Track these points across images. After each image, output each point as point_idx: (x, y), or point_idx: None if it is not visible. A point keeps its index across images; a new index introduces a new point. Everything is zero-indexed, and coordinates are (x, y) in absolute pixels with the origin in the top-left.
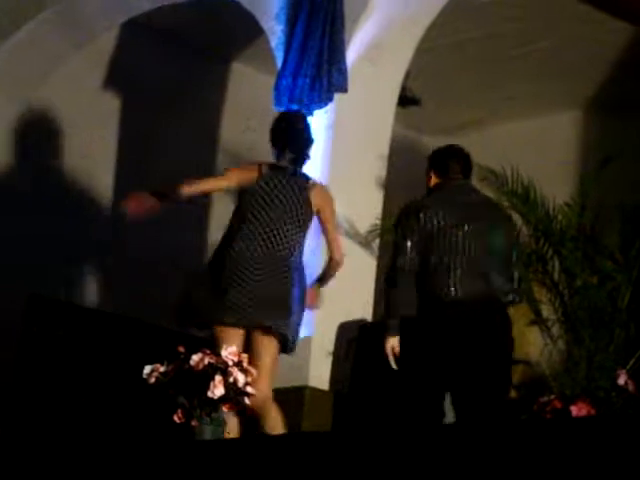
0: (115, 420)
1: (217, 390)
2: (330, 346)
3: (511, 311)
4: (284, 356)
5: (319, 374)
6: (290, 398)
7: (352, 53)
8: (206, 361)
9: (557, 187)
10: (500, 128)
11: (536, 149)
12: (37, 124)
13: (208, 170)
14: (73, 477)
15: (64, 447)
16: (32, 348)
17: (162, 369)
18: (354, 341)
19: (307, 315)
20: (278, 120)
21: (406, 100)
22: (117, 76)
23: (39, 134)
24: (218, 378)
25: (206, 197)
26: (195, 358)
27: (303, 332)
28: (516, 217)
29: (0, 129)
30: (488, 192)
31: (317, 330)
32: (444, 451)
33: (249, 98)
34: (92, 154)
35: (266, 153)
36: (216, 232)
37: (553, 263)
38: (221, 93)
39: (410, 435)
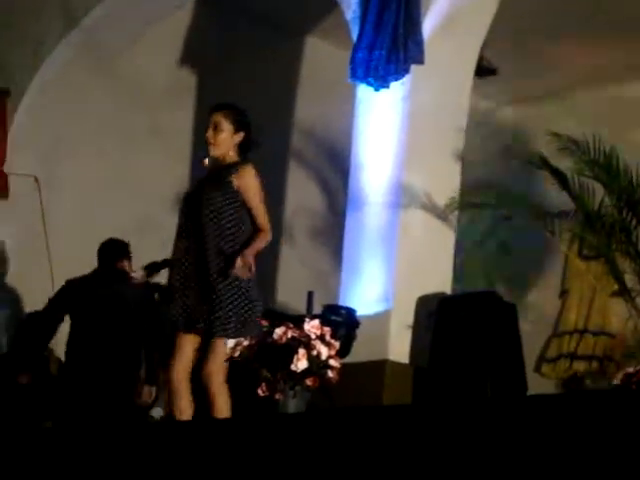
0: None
1: (300, 363)
2: (409, 319)
3: (593, 282)
4: (363, 330)
5: (399, 347)
6: (370, 372)
7: (428, 24)
8: (289, 334)
9: None
10: (580, 96)
11: (618, 117)
12: (113, 99)
13: (284, 146)
14: (159, 448)
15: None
16: None
17: (245, 343)
18: (434, 314)
19: (386, 289)
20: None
21: (483, 70)
22: (192, 52)
23: (113, 109)
24: (301, 351)
25: None
26: (278, 332)
27: (382, 306)
28: (598, 187)
29: (78, 103)
30: (568, 162)
31: (396, 303)
32: (526, 423)
33: (324, 72)
34: (167, 130)
35: (342, 127)
36: None
37: (637, 233)
38: (296, 67)
39: (492, 408)
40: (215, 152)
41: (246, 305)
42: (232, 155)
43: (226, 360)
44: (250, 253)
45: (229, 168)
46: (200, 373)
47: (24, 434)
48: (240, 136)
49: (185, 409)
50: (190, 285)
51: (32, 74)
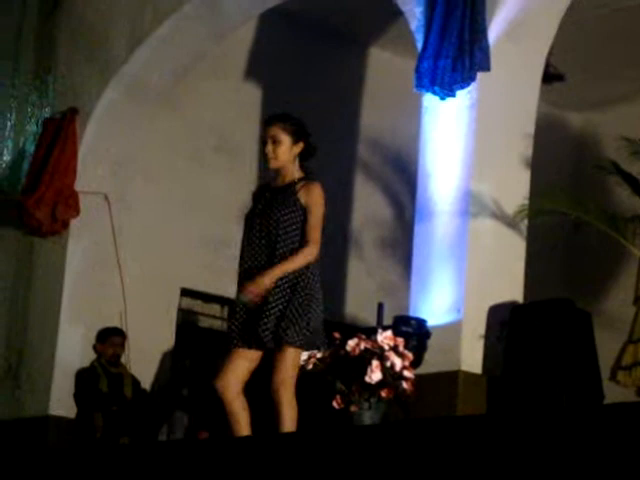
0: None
1: (374, 375)
2: (481, 329)
3: None
4: (434, 341)
5: (471, 358)
6: (443, 382)
7: (494, 31)
8: (362, 346)
9: None
10: None
11: None
12: (178, 117)
13: (350, 157)
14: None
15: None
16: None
17: (319, 355)
18: (506, 323)
19: (457, 298)
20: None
21: (550, 76)
22: (257, 65)
23: (181, 126)
24: (375, 363)
25: None
26: (351, 343)
27: (453, 316)
28: None
29: (145, 121)
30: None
31: (467, 313)
32: (604, 432)
33: (389, 82)
34: (232, 146)
35: (407, 137)
36: None
37: None
38: (360, 78)
39: (568, 417)
40: (275, 165)
41: (311, 314)
42: (295, 168)
43: (298, 372)
44: (272, 275)
45: (295, 184)
46: (270, 385)
47: (102, 450)
48: (299, 147)
49: (245, 425)
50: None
51: (100, 93)
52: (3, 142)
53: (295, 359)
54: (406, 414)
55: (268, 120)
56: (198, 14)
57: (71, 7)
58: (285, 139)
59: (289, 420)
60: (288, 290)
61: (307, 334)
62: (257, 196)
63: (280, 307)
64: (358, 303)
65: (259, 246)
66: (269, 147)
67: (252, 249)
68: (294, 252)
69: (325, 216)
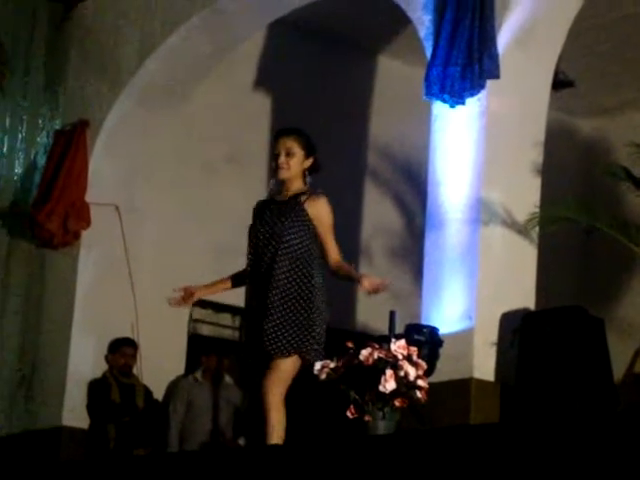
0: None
1: (388, 384)
2: (493, 337)
3: None
4: (447, 349)
5: (484, 365)
6: (455, 390)
7: (503, 38)
8: (375, 355)
9: None
10: None
11: None
12: (188, 127)
13: (359, 165)
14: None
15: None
16: None
17: (332, 365)
18: (518, 331)
19: (469, 306)
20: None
21: (559, 83)
22: (266, 75)
23: (191, 136)
24: (389, 372)
25: None
26: (364, 353)
27: (465, 323)
28: None
29: (155, 132)
30: None
31: (479, 321)
32: (616, 439)
33: (398, 91)
34: (243, 156)
35: (417, 145)
36: None
37: None
38: (369, 87)
39: (582, 424)
40: (285, 175)
41: (302, 326)
42: (300, 181)
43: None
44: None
45: (300, 196)
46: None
47: (115, 461)
48: (309, 162)
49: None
50: (258, 311)
51: (110, 104)
52: (14, 154)
53: (285, 367)
54: (420, 423)
55: (282, 132)
56: (207, 25)
57: (81, 19)
58: (299, 152)
59: (276, 423)
60: (290, 301)
61: (294, 346)
62: (258, 211)
63: (280, 317)
64: (369, 311)
65: (264, 256)
66: (282, 158)
67: (256, 259)
68: (297, 261)
69: (334, 227)
